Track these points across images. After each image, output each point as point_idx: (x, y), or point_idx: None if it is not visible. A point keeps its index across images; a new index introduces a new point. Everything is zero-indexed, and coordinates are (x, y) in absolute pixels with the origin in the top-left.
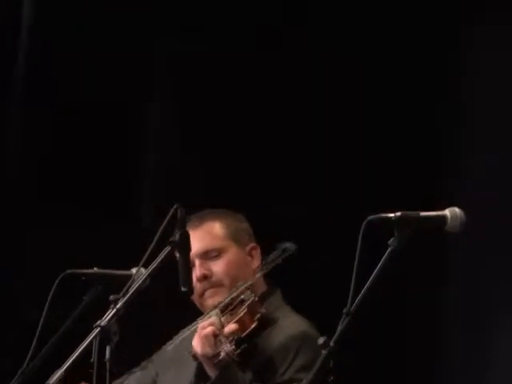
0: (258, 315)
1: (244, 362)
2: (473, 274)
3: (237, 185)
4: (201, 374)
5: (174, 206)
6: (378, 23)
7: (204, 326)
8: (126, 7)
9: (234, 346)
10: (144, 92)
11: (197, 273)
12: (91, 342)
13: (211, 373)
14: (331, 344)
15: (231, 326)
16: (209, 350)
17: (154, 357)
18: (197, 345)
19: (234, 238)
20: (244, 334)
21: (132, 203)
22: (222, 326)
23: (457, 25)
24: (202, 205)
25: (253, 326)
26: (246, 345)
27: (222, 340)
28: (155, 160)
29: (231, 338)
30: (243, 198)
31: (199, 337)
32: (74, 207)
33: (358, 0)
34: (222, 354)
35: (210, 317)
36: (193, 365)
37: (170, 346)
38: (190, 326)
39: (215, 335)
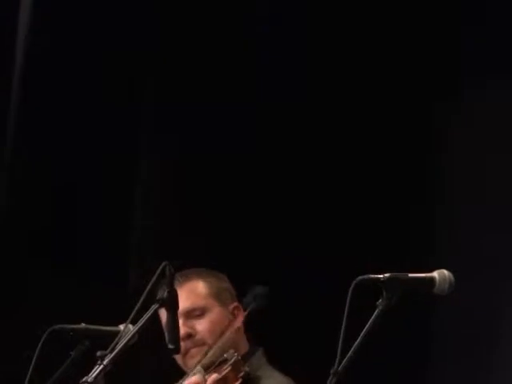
0: (242, 374)
1: None
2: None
3: (227, 248)
4: None
5: (163, 264)
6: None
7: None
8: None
9: None
10: (132, 150)
11: (180, 331)
12: None
13: None
14: None
15: (213, 377)
16: None
17: None
18: None
19: (217, 297)
20: None
21: (120, 263)
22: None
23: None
24: (190, 265)
25: (237, 383)
26: None
27: None
28: (143, 221)
29: None
30: (231, 261)
31: None
32: (62, 264)
33: None
34: None
35: (194, 374)
36: None
37: None
38: None
39: None
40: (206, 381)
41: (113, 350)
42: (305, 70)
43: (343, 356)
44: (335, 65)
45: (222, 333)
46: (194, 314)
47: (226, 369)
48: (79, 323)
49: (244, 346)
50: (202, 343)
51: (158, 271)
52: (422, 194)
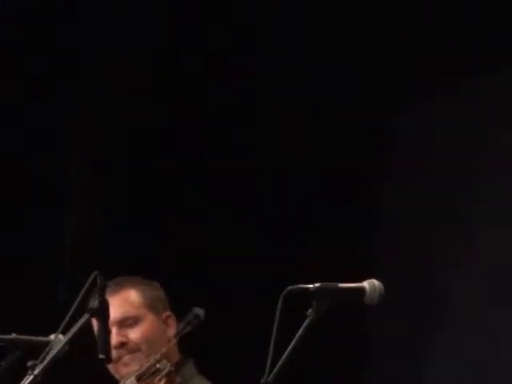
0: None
1: None
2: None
3: (158, 260)
4: None
5: (94, 274)
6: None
7: None
8: None
9: None
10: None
11: (114, 340)
12: None
13: None
14: None
15: None
16: None
17: None
18: None
19: (150, 306)
20: None
21: (50, 272)
22: None
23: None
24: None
25: None
26: None
27: None
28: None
29: None
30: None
31: None
32: None
33: None
34: None
35: None
36: None
37: None
38: None
39: None
40: None
41: (43, 360)
42: None
43: (273, 366)
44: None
45: (156, 342)
46: (127, 322)
47: (161, 380)
48: (9, 333)
49: (176, 356)
50: (136, 350)
51: (89, 280)
52: (355, 205)
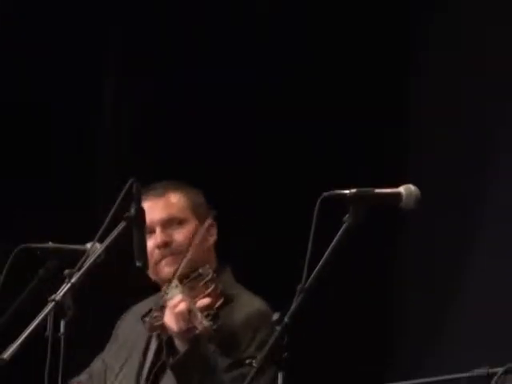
0: (219, 291)
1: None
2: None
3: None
4: (161, 350)
5: (130, 181)
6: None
7: (176, 303)
8: None
9: (210, 322)
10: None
11: (157, 239)
12: (45, 316)
13: (184, 348)
14: (285, 320)
15: (204, 301)
16: (184, 326)
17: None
18: (171, 321)
19: (195, 211)
20: (215, 310)
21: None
22: (194, 300)
23: None
24: None
25: (220, 301)
26: (219, 319)
27: (198, 315)
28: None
29: (206, 313)
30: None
31: (173, 314)
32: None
33: None
34: (200, 328)
35: (171, 290)
36: (141, 344)
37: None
38: (143, 303)
39: (189, 311)
40: (191, 297)
41: (80, 268)
42: None
43: (310, 273)
44: None
45: (198, 247)
46: (173, 223)
47: (204, 286)
48: (47, 242)
49: (214, 263)
50: (179, 252)
51: (125, 188)
52: (396, 115)
